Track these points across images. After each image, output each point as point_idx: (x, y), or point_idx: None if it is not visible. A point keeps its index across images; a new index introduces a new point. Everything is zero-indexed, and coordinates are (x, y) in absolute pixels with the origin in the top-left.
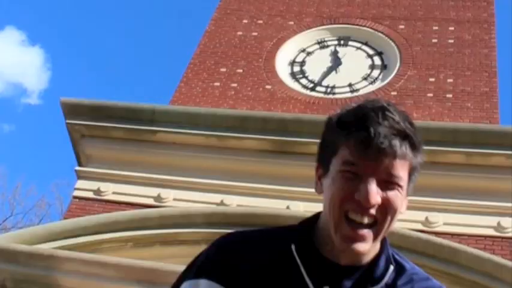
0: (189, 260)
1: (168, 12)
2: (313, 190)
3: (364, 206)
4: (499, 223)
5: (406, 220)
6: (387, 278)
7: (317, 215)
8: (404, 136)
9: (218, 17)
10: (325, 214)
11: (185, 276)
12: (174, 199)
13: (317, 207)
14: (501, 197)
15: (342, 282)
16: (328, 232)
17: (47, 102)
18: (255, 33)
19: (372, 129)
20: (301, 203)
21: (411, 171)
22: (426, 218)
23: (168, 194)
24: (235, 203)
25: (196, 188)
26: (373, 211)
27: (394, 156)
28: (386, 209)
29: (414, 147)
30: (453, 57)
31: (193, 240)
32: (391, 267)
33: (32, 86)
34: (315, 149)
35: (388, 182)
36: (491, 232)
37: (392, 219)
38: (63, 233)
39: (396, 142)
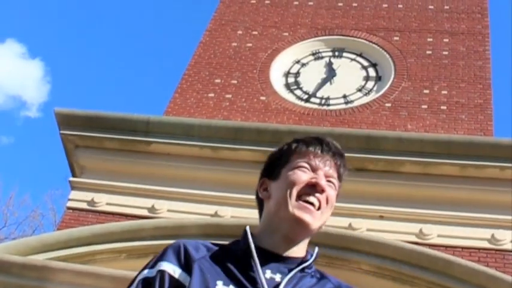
0: None
1: (163, 23)
2: None
3: (317, 188)
4: (493, 235)
5: (400, 232)
6: (312, 262)
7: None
8: (341, 155)
9: (213, 28)
10: (277, 204)
11: (143, 268)
12: (168, 210)
13: None
14: (495, 209)
15: (280, 267)
16: (272, 225)
17: (47, 115)
18: (249, 44)
19: (324, 144)
20: None
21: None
22: (420, 230)
23: (162, 205)
24: (230, 215)
25: (191, 199)
26: (320, 197)
27: (334, 165)
28: (328, 199)
29: (345, 168)
30: (447, 69)
31: None
32: (316, 249)
33: (31, 99)
34: None
35: (328, 181)
36: (485, 244)
37: (329, 210)
38: (57, 244)
39: (337, 157)
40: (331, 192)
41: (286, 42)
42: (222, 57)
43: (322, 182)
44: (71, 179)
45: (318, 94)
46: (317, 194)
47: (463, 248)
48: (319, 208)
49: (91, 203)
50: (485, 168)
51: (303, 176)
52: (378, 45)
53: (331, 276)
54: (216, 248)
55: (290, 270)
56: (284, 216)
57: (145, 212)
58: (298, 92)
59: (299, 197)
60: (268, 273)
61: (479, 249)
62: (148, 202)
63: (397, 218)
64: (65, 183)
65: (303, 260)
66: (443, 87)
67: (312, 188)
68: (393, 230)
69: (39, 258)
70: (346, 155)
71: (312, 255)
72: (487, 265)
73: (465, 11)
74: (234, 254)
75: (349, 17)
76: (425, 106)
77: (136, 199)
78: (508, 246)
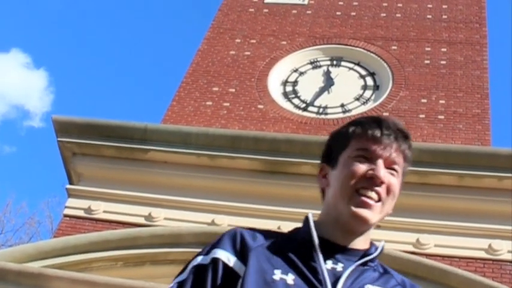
0: None
1: (162, 31)
2: (304, 210)
3: (375, 181)
4: (490, 245)
5: (397, 241)
6: (377, 257)
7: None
8: (405, 136)
9: (211, 36)
10: (334, 196)
11: (197, 254)
12: (165, 218)
13: None
14: (492, 219)
15: (342, 258)
16: (332, 216)
17: (49, 125)
18: (247, 53)
19: (383, 126)
20: (292, 224)
21: (403, 174)
22: (417, 240)
23: (159, 213)
24: (226, 223)
25: (187, 207)
26: (380, 189)
27: (397, 148)
28: (389, 189)
29: (410, 150)
30: (445, 79)
31: (184, 259)
32: (382, 244)
33: (34, 109)
34: (306, 169)
35: (390, 169)
36: (482, 254)
37: (391, 200)
38: (53, 252)
39: (400, 139)
40: (392, 181)
41: (284, 51)
42: (220, 65)
43: (381, 173)
44: (68, 186)
45: (316, 103)
46: (375, 187)
47: (460, 258)
48: (379, 200)
49: (88, 210)
50: (483, 178)
51: (360, 168)
52: (376, 54)
53: (395, 272)
54: (274, 236)
55: (352, 262)
56: (342, 210)
57: (142, 220)
58: (296, 101)
59: (357, 191)
60: (330, 264)
61: (476, 259)
62: (145, 210)
63: (394, 228)
64: (62, 191)
65: (366, 253)
66: (441, 97)
67: (370, 180)
68: (390, 240)
69: (36, 266)
70: None
71: (376, 249)
72: (484, 275)
73: (463, 20)
74: (294, 242)
75: (348, 26)
76: (423, 115)
77: (133, 207)
78: (505, 257)
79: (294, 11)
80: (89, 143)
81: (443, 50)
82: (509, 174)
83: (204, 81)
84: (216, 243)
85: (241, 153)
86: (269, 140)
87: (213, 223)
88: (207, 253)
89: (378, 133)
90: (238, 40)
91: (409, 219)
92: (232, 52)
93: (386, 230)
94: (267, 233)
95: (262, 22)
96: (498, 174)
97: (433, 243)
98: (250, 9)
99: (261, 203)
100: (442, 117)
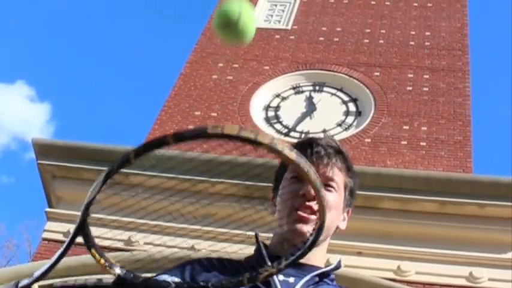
0: None
1: (144, 55)
2: None
3: (307, 197)
4: (471, 273)
5: (378, 268)
6: (333, 271)
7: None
8: (337, 151)
9: (194, 60)
10: (279, 215)
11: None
12: (145, 243)
13: None
14: (474, 246)
15: (294, 271)
16: (279, 234)
17: None
18: (230, 77)
19: (314, 146)
20: None
21: (346, 186)
22: (398, 267)
23: (139, 238)
24: (206, 248)
25: (167, 232)
26: (312, 204)
27: (329, 163)
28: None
29: (346, 163)
30: (427, 105)
31: None
32: (338, 259)
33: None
34: None
35: (325, 185)
36: (463, 282)
37: (328, 214)
38: (31, 276)
39: (331, 153)
40: (329, 197)
41: (266, 76)
42: (202, 89)
43: (311, 191)
44: (47, 209)
45: (298, 128)
46: (308, 203)
47: (441, 285)
48: (313, 213)
49: (67, 234)
50: (464, 205)
51: (293, 188)
52: (359, 80)
53: None
54: (228, 259)
55: (304, 276)
56: (284, 227)
57: (121, 245)
58: (278, 126)
59: (296, 210)
60: (281, 277)
61: (457, 286)
62: (125, 234)
63: (375, 255)
64: (41, 213)
65: (316, 268)
66: (423, 124)
67: (303, 197)
68: (371, 267)
69: None
70: None
71: (331, 265)
72: None
73: (446, 47)
74: (245, 260)
75: (330, 51)
76: (405, 142)
77: (113, 231)
78: (485, 285)
79: (277, 36)
80: (69, 166)
81: (426, 76)
82: (491, 202)
83: (186, 105)
84: (167, 270)
85: (221, 178)
86: (250, 165)
87: (192, 248)
88: (156, 275)
89: (308, 153)
90: (220, 64)
91: (390, 246)
92: (214, 76)
93: (367, 256)
94: (221, 258)
95: (245, 47)
96: (479, 202)
97: (414, 270)
98: None
99: (240, 228)
100: (424, 144)
